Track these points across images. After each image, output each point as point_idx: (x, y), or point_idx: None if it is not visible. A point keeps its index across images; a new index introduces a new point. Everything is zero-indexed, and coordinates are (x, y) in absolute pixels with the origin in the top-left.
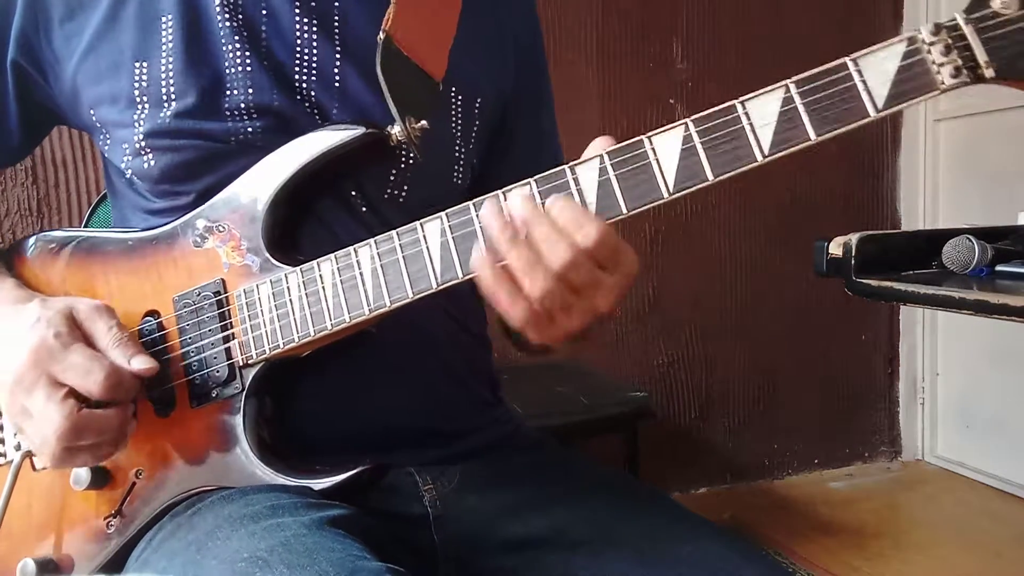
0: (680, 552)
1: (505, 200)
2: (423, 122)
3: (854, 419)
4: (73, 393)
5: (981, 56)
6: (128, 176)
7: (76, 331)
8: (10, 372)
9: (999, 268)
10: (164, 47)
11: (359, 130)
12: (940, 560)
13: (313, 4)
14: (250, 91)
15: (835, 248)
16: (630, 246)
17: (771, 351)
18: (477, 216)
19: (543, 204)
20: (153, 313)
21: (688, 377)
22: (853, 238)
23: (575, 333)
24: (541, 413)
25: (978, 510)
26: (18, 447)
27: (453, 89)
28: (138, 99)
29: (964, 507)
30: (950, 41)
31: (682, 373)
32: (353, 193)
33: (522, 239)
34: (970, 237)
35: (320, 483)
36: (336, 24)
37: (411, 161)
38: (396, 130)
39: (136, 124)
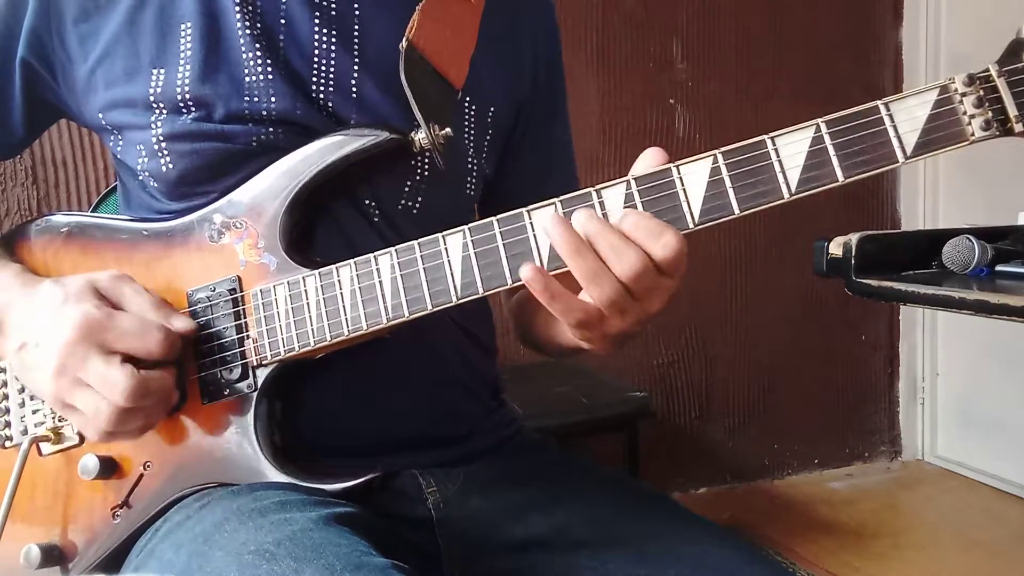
0: (681, 552)
1: (530, 217)
2: (447, 129)
3: (854, 419)
4: (127, 358)
5: (1012, 110)
6: (142, 178)
7: (106, 301)
8: (54, 350)
9: (999, 268)
10: (183, 54)
11: (383, 135)
12: (940, 560)
13: (333, 13)
14: (272, 99)
15: (835, 248)
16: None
17: (771, 351)
18: (500, 233)
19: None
20: None
21: (688, 377)
22: (853, 238)
23: (624, 334)
24: (541, 413)
25: (978, 510)
26: (24, 431)
27: (467, 99)
28: (154, 104)
29: (964, 507)
30: (982, 93)
31: (682, 373)
32: (367, 201)
33: (587, 249)
34: (970, 237)
35: (332, 487)
36: (356, 34)
37: (426, 172)
38: (420, 136)
39: (153, 126)
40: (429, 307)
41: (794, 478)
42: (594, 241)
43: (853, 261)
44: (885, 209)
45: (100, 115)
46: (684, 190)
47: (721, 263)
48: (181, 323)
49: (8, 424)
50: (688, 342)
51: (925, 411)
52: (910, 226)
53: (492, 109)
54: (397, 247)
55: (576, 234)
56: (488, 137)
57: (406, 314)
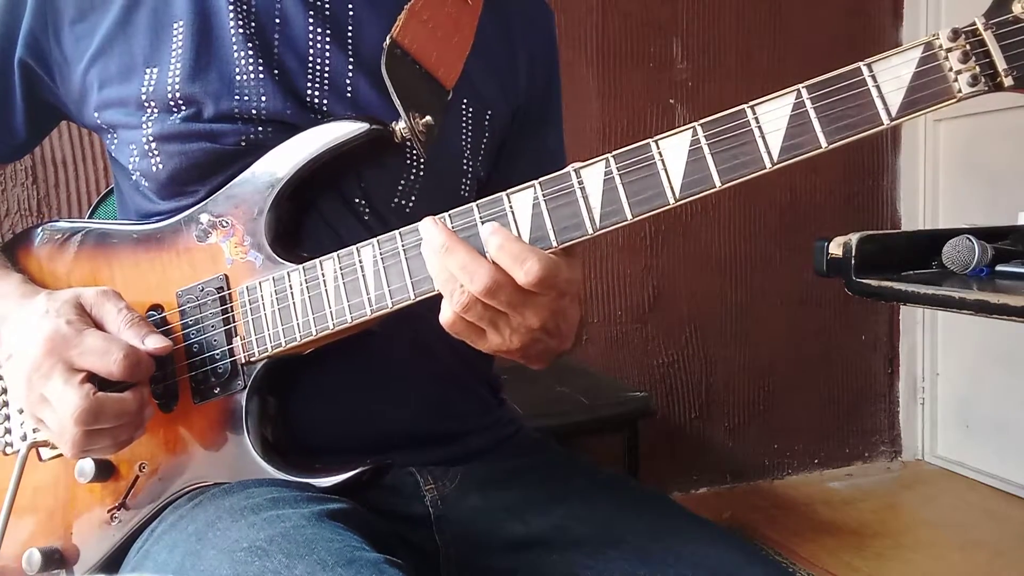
0: (681, 552)
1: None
2: (428, 117)
3: (854, 419)
4: (90, 377)
5: (1000, 64)
6: (135, 178)
7: (86, 317)
8: (26, 363)
9: (999, 268)
10: (174, 53)
11: (363, 125)
12: (940, 560)
13: (327, 12)
14: (263, 99)
15: (835, 248)
16: (571, 265)
17: (771, 351)
18: (480, 220)
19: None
20: (157, 307)
21: (688, 377)
22: (853, 238)
23: (517, 351)
24: (541, 413)
25: (978, 510)
26: (24, 438)
27: (464, 100)
28: (146, 103)
29: (964, 507)
30: (968, 47)
31: (682, 373)
32: (357, 199)
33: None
34: (970, 237)
35: (322, 482)
36: (350, 33)
37: (421, 172)
38: (400, 126)
39: (144, 126)
40: (412, 297)
41: (794, 478)
42: (444, 259)
43: (853, 261)
44: (885, 209)
45: (96, 115)
46: (664, 165)
47: (721, 263)
48: (154, 342)
49: (8, 431)
50: (688, 342)
51: (925, 411)
52: (910, 226)
53: (489, 113)
54: (379, 237)
55: (443, 235)
56: (485, 140)
57: (389, 305)
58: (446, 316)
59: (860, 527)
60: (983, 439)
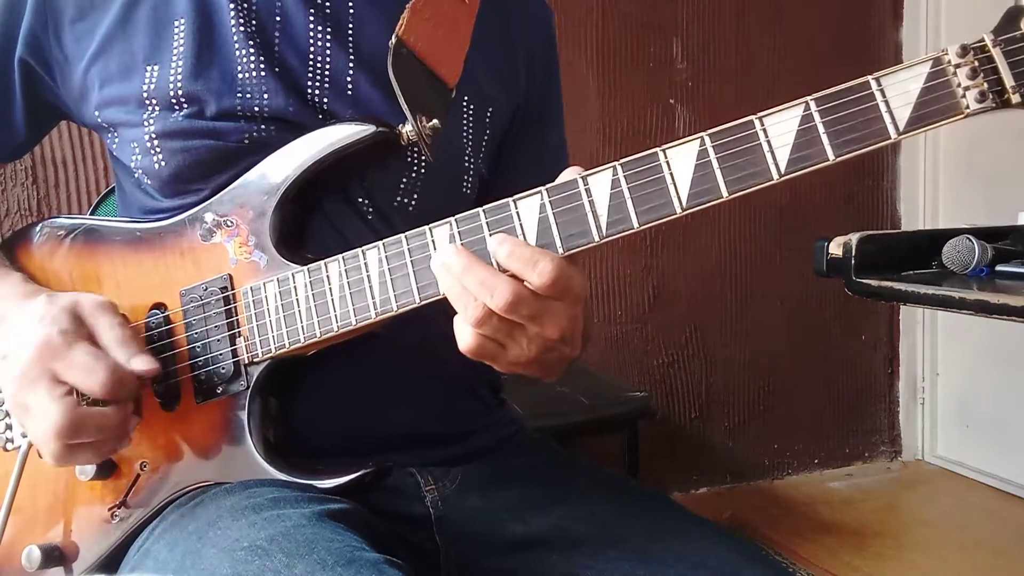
0: (681, 552)
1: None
2: (435, 121)
3: (854, 419)
4: (73, 390)
5: (1008, 81)
6: (137, 176)
7: (81, 328)
8: (16, 369)
9: (999, 268)
10: (176, 50)
11: (370, 128)
12: (940, 560)
13: (328, 11)
14: (265, 96)
15: (835, 248)
16: (578, 270)
17: (771, 351)
18: (486, 223)
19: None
20: (160, 306)
21: (688, 377)
22: (853, 238)
23: (534, 362)
24: (541, 413)
25: (978, 510)
26: (24, 434)
27: (465, 98)
28: (147, 101)
29: (964, 507)
30: (977, 64)
31: (682, 373)
32: (360, 199)
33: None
34: (970, 237)
35: (324, 483)
36: (351, 31)
37: (423, 170)
38: (407, 129)
39: (145, 124)
40: (417, 300)
41: (794, 478)
42: (461, 278)
43: (853, 261)
44: (885, 209)
45: (96, 113)
46: (671, 174)
47: (721, 263)
48: (141, 364)
49: (9, 427)
50: (688, 342)
51: (925, 411)
52: (910, 226)
53: (490, 110)
54: (385, 241)
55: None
56: (486, 137)
57: (394, 308)
58: (466, 341)
59: (860, 527)
60: (983, 439)
